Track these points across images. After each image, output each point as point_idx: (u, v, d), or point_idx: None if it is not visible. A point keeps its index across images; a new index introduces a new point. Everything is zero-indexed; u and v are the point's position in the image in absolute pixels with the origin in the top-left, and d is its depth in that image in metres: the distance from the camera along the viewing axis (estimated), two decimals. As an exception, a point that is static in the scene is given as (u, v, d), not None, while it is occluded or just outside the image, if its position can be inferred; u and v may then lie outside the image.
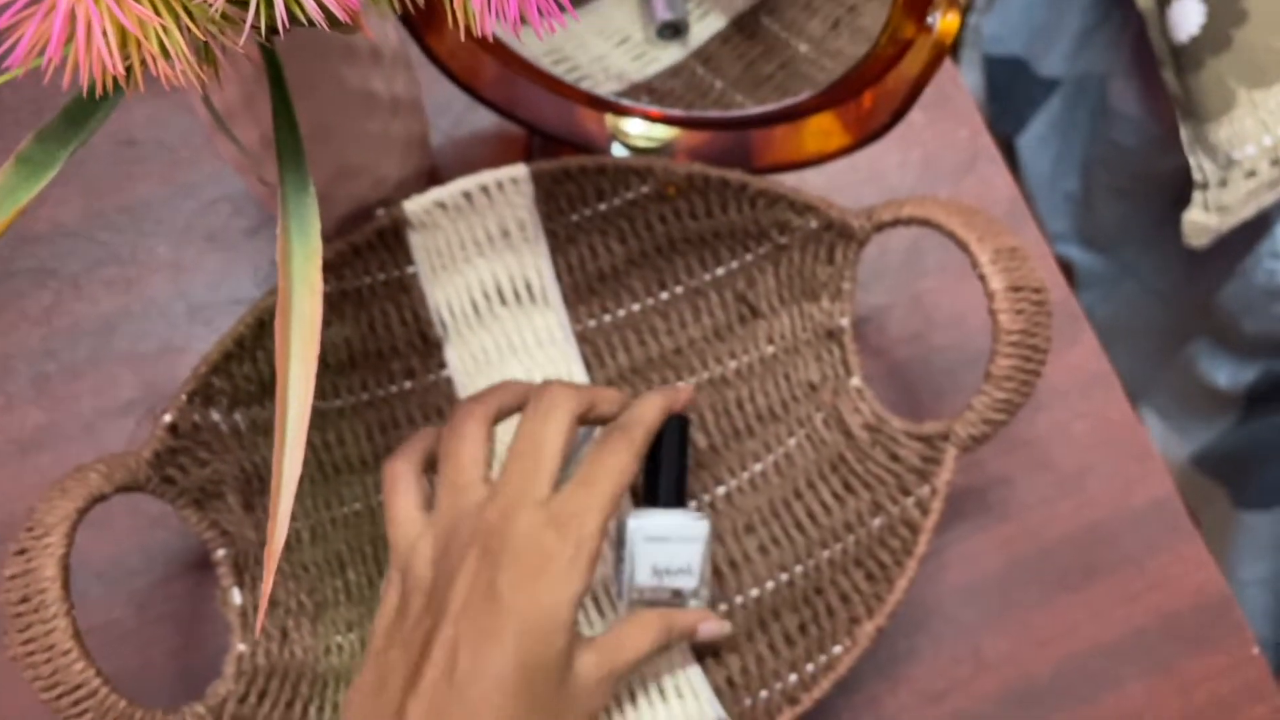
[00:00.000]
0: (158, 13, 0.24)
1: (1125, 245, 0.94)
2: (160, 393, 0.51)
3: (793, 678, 0.45)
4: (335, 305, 0.47)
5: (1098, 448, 0.53)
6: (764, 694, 0.45)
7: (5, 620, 0.37)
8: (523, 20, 0.27)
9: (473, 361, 0.50)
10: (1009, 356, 0.42)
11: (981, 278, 0.42)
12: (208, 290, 0.52)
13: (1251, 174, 0.71)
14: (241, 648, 0.43)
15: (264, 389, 0.46)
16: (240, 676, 0.42)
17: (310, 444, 0.48)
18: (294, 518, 0.47)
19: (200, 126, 0.53)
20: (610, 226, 0.50)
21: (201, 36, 0.25)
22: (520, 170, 0.47)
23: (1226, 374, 0.84)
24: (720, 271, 0.51)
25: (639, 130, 0.49)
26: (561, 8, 0.27)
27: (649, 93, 0.51)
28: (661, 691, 0.46)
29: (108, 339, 0.51)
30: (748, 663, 0.46)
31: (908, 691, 0.49)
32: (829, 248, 0.48)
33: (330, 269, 0.46)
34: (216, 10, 0.24)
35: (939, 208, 0.44)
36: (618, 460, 0.41)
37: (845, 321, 0.48)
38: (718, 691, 0.46)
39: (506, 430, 0.43)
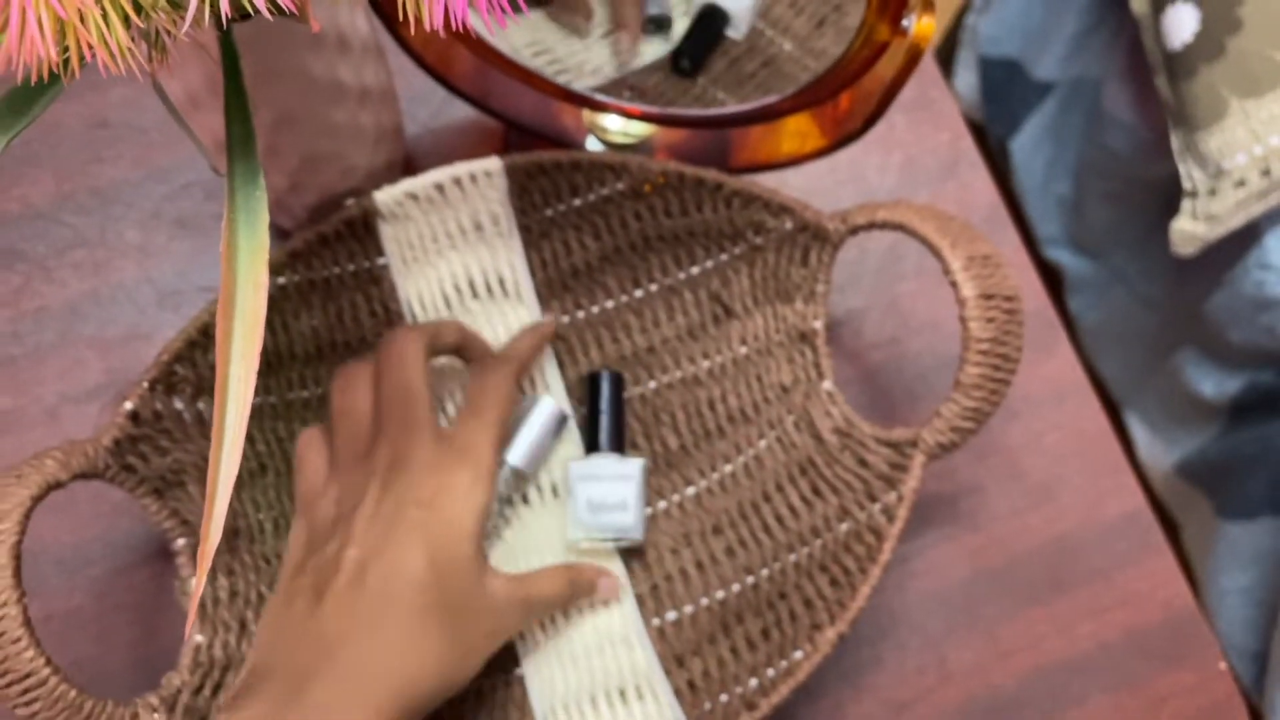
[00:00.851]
0: (97, 1, 0.23)
1: (1115, 251, 0.93)
2: (126, 379, 0.50)
3: (753, 682, 0.44)
4: (304, 295, 0.47)
5: (1071, 459, 0.52)
6: (724, 698, 0.45)
7: (-47, 608, 0.36)
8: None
9: (443, 355, 0.50)
10: (978, 365, 0.42)
11: (953, 284, 0.42)
12: (177, 276, 0.52)
13: (1241, 184, 0.70)
14: (199, 639, 0.42)
15: (228, 378, 0.45)
16: (196, 668, 0.42)
17: (276, 435, 0.48)
18: (257, 509, 0.47)
19: (174, 110, 0.52)
20: (585, 222, 0.50)
21: (141, 25, 0.24)
22: (494, 163, 0.47)
23: (1212, 383, 0.83)
24: (695, 270, 0.51)
25: (616, 126, 0.48)
26: (516, 6, 0.26)
27: (630, 88, 0.50)
28: (622, 694, 0.46)
29: (75, 323, 0.51)
30: (709, 666, 0.46)
31: (872, 700, 0.49)
32: (804, 250, 0.47)
33: (298, 258, 0.46)
34: (159, -1, 0.24)
35: (913, 212, 0.44)
36: (498, 388, 0.46)
37: (819, 324, 0.48)
38: (678, 694, 0.46)
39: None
